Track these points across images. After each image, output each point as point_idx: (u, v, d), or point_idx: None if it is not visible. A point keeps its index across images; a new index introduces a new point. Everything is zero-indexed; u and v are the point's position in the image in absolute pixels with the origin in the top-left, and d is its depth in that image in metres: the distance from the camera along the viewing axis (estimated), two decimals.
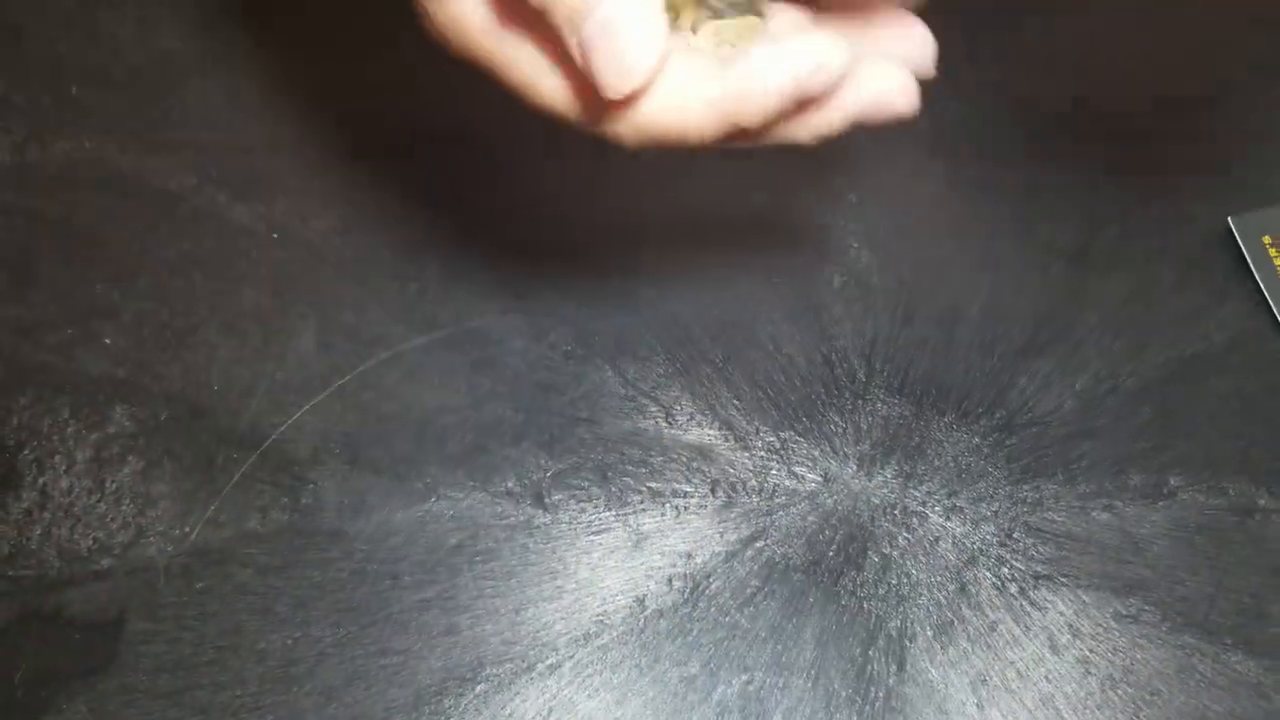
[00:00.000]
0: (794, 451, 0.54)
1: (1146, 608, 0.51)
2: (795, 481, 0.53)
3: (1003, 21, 0.64)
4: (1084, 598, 0.51)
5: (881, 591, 0.51)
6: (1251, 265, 0.57)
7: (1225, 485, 0.53)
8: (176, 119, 0.61)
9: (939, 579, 0.52)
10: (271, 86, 0.62)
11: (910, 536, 0.52)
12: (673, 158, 0.59)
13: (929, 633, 0.50)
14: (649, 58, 0.33)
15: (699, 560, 0.52)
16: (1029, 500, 0.53)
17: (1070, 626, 0.50)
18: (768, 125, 0.35)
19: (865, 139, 0.60)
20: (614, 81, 0.33)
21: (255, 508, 0.52)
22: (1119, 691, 0.49)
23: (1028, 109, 0.62)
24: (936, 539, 0.52)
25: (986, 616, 0.51)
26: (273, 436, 0.53)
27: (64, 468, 0.53)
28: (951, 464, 0.54)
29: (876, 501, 0.53)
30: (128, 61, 0.62)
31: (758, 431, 0.54)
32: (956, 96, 0.61)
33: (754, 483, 0.53)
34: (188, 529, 0.52)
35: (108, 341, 0.55)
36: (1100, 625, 0.51)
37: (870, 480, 0.53)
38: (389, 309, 0.57)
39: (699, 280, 0.58)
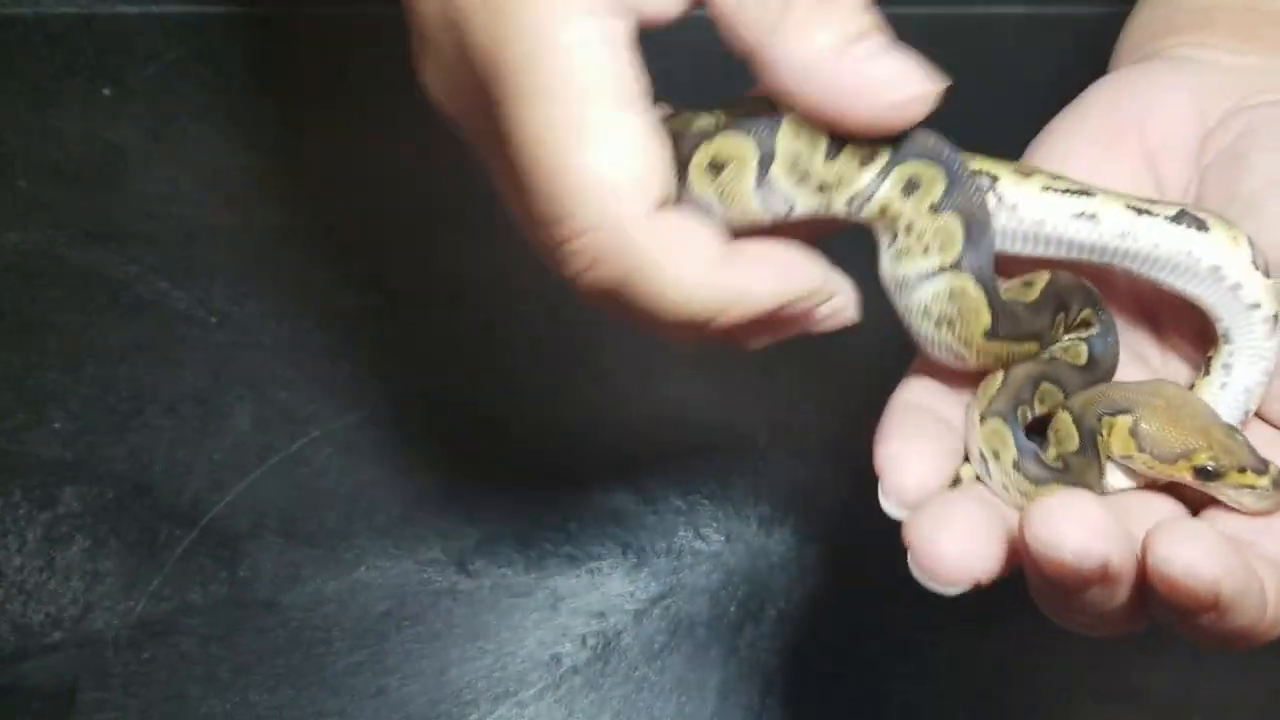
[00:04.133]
0: (700, 513, 0.58)
1: None
2: (701, 542, 0.58)
3: None
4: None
5: (778, 644, 0.55)
6: None
7: None
8: (120, 210, 0.65)
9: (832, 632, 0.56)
10: (208, 177, 0.66)
11: (805, 592, 0.56)
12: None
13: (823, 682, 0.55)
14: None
15: (611, 619, 0.56)
16: None
17: (950, 660, 0.55)
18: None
19: None
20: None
21: (196, 581, 0.56)
22: None
23: None
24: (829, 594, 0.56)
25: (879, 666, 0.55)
26: (212, 513, 0.57)
27: (16, 547, 0.56)
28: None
29: (775, 559, 0.57)
30: (74, 155, 0.66)
31: (666, 496, 0.59)
32: None
33: (662, 544, 0.57)
34: (133, 602, 0.55)
35: (57, 426, 0.59)
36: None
37: (769, 539, 0.58)
38: (321, 388, 0.60)
39: (610, 351, 0.62)
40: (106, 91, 0.68)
